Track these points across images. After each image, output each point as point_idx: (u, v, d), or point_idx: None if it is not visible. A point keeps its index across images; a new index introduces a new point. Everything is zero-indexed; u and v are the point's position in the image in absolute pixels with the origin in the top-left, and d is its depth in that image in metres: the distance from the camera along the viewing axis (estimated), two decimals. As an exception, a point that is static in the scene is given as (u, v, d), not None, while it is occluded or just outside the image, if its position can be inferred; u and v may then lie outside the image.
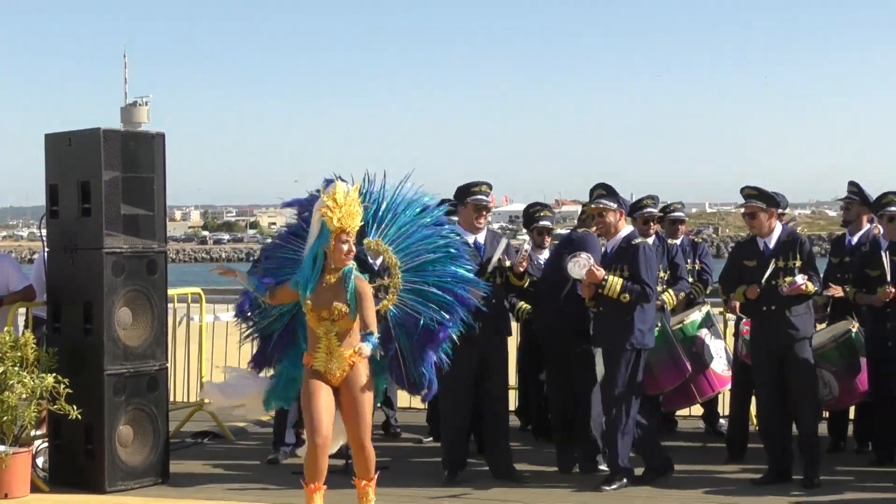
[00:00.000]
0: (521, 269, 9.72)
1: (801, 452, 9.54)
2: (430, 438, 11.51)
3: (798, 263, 9.42)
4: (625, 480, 9.39)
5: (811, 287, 9.34)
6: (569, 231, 11.19)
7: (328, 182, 8.27)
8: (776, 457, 9.57)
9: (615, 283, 9.34)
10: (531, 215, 11.45)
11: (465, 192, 9.90)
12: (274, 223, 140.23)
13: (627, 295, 9.33)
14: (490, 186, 9.94)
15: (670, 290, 10.97)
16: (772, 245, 9.54)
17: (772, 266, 9.41)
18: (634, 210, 11.16)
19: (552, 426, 10.46)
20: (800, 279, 9.32)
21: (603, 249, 9.83)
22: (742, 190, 9.67)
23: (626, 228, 9.71)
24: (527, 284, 10.02)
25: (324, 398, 7.92)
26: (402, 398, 13.09)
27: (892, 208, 10.04)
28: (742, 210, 9.93)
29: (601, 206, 9.60)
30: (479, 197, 9.86)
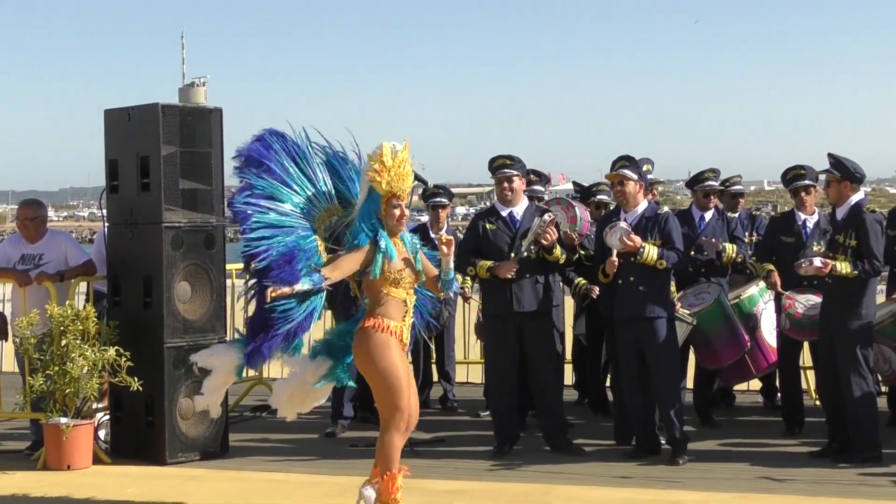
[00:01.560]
0: (546, 242, 9.69)
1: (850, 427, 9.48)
2: (488, 412, 11.55)
3: (853, 243, 9.33)
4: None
5: (841, 268, 9.22)
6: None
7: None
8: (835, 430, 9.54)
9: (651, 250, 9.41)
10: (589, 190, 11.52)
11: (489, 167, 10.01)
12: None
13: (664, 261, 9.41)
14: (512, 159, 9.93)
15: (732, 245, 10.94)
16: (840, 218, 9.47)
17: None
18: (695, 183, 11.21)
19: (616, 402, 10.43)
20: (818, 261, 9.27)
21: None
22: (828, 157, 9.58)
23: (644, 202, 9.75)
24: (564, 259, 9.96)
25: (408, 379, 7.58)
26: (460, 373, 13.18)
27: None
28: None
29: (623, 174, 9.62)
30: (503, 171, 9.89)
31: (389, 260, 7.37)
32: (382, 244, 7.39)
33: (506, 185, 9.85)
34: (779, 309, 10.40)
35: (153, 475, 9.26)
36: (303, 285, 7.28)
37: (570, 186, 11.52)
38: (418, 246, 7.74)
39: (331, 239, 7.78)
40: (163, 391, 9.52)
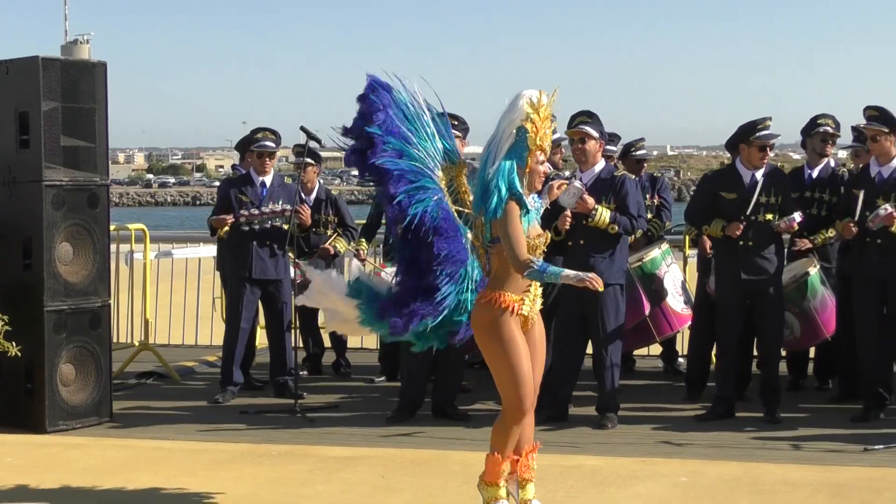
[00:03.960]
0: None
1: (763, 390, 9.73)
2: (383, 378, 11.60)
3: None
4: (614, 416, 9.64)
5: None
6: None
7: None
8: (727, 394, 9.78)
9: (604, 213, 9.43)
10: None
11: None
12: (221, 166, 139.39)
13: (616, 226, 9.43)
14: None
15: None
16: (887, 175, 9.57)
17: (861, 198, 9.49)
18: (628, 151, 11.74)
19: None
20: (798, 216, 9.53)
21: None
22: (865, 110, 9.66)
23: (601, 162, 9.74)
24: None
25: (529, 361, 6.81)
26: (356, 338, 13.19)
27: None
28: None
29: (584, 131, 9.58)
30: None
31: (529, 223, 6.74)
32: (532, 205, 6.77)
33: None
34: (706, 270, 10.52)
35: (33, 444, 9.17)
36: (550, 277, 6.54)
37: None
38: (540, 205, 7.03)
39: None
40: (43, 357, 9.41)
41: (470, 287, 6.94)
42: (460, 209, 7.06)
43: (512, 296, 6.64)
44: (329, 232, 11.64)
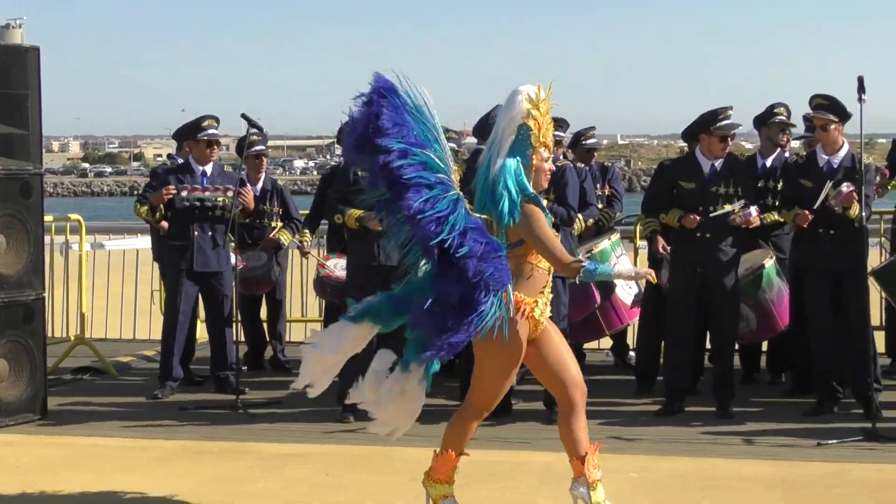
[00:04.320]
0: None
1: (717, 384, 9.74)
2: (327, 373, 11.52)
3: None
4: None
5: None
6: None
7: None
8: (685, 386, 9.80)
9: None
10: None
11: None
12: (160, 155, 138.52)
13: (552, 217, 9.36)
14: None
15: (579, 216, 11.01)
16: (836, 164, 9.59)
17: (827, 187, 9.44)
18: (578, 140, 11.90)
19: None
20: (754, 210, 9.61)
21: None
22: (812, 99, 9.67)
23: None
24: None
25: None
26: (298, 332, 13.11)
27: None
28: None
29: None
30: None
31: (549, 223, 6.57)
32: (544, 203, 6.61)
33: None
34: (658, 264, 10.52)
35: (-35, 441, 9.05)
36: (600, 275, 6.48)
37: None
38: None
39: None
40: (-26, 351, 9.29)
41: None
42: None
43: (526, 298, 6.54)
44: (274, 224, 11.55)
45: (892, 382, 10.50)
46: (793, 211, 9.63)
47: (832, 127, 9.52)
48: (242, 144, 11.07)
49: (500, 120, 6.61)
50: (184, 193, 10.52)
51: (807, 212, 9.47)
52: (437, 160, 6.44)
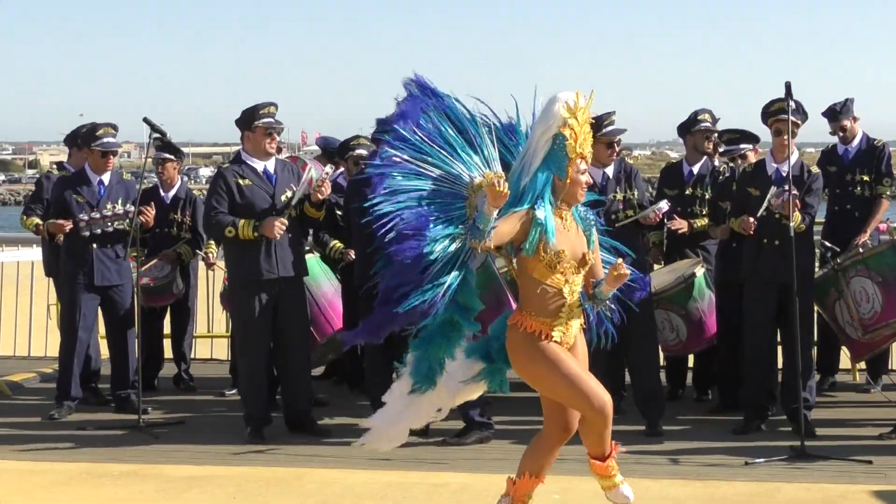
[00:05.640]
0: (321, 197, 9.71)
1: (646, 400, 9.83)
2: (234, 391, 11.48)
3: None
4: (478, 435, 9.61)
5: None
6: None
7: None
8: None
9: None
10: (347, 144, 11.50)
11: (252, 114, 9.88)
12: (57, 162, 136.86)
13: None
14: (277, 107, 9.90)
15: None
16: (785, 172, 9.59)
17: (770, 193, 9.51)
18: None
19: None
20: (664, 204, 9.76)
21: None
22: (773, 103, 9.73)
23: None
24: (323, 217, 10.00)
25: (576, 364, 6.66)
26: (204, 348, 13.08)
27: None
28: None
29: None
30: (268, 119, 9.83)
31: (547, 239, 6.48)
32: (541, 215, 6.51)
33: (275, 137, 9.92)
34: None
35: None
36: (485, 222, 6.29)
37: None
38: (593, 223, 6.88)
39: None
40: None
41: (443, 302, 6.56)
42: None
43: (541, 319, 6.54)
44: (184, 234, 11.54)
45: (821, 399, 10.62)
46: (739, 219, 9.72)
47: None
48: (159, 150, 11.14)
49: (534, 130, 6.64)
50: (82, 224, 10.43)
51: (751, 218, 9.53)
52: (443, 156, 6.74)
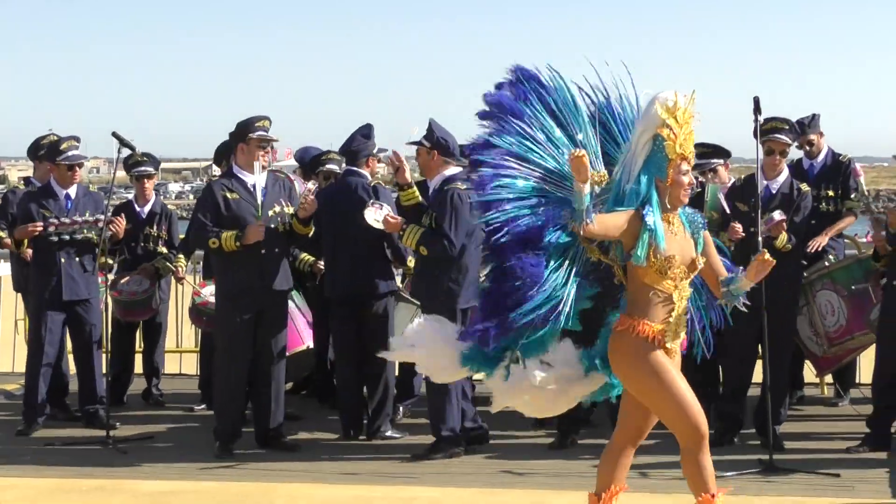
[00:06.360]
0: (306, 215, 9.73)
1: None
2: (203, 406, 11.47)
3: None
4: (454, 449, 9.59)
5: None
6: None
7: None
8: (574, 419, 9.90)
9: (413, 232, 9.35)
10: (318, 159, 11.53)
11: (247, 126, 9.90)
12: (26, 177, 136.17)
13: (425, 248, 9.36)
14: (271, 122, 9.95)
15: None
16: (774, 189, 9.79)
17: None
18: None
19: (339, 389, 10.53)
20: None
21: None
22: (767, 121, 9.67)
23: (449, 169, 9.61)
24: (311, 233, 10.04)
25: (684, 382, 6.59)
26: (173, 363, 13.07)
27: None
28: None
29: (414, 142, 9.64)
30: (262, 133, 9.85)
31: (657, 244, 6.40)
32: (650, 220, 6.42)
33: (269, 150, 10.03)
34: None
35: None
36: (583, 201, 6.21)
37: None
38: (701, 225, 6.76)
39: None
40: None
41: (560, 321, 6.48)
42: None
43: (652, 325, 6.49)
44: (160, 249, 11.55)
45: (789, 413, 10.64)
46: (726, 231, 9.72)
47: (783, 150, 9.80)
48: (127, 164, 11.16)
49: (635, 131, 6.59)
50: (51, 229, 10.42)
51: (739, 226, 9.53)
52: (545, 156, 6.64)
